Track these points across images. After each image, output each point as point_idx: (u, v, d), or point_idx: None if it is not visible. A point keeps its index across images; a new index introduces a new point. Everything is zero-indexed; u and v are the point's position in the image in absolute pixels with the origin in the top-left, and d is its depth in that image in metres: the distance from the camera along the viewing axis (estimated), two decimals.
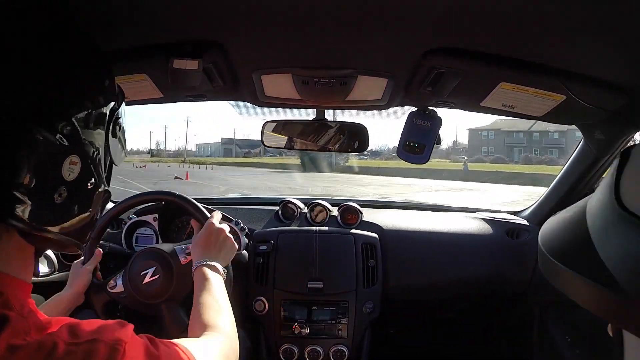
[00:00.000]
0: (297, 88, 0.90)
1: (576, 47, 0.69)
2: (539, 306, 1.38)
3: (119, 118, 0.53)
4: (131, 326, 0.45)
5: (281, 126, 1.12)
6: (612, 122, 0.97)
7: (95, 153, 0.48)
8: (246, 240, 1.28)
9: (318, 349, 1.25)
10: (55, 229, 0.44)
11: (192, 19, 0.64)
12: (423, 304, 1.40)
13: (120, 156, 0.56)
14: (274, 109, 1.09)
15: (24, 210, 0.40)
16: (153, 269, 0.94)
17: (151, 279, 0.94)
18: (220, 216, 0.96)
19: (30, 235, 0.44)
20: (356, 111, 1.09)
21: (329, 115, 1.08)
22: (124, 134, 0.56)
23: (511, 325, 1.56)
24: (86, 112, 0.46)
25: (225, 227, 0.91)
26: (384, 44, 0.72)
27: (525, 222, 1.47)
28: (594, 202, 0.33)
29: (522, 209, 1.58)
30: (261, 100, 1.00)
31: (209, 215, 0.96)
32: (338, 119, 1.09)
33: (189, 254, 0.94)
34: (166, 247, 0.99)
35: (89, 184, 0.47)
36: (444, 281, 1.35)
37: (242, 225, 1.28)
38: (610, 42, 0.65)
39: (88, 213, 0.48)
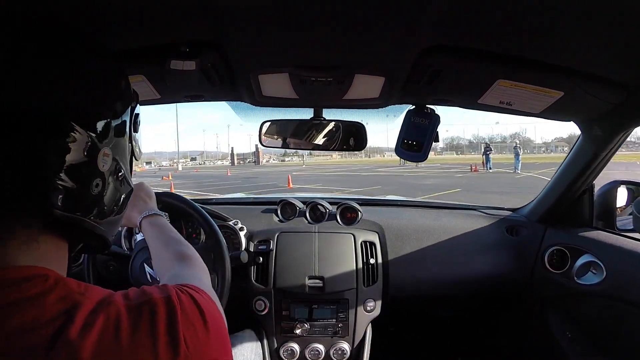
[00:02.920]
0: (294, 87, 0.90)
1: (574, 43, 0.69)
2: (539, 302, 1.38)
3: (138, 114, 0.57)
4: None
5: (279, 126, 1.12)
6: (610, 118, 0.97)
7: (123, 146, 0.51)
8: (245, 240, 1.28)
9: (319, 347, 1.26)
10: (94, 219, 0.47)
11: (189, 19, 0.64)
12: (423, 301, 1.40)
13: (140, 151, 0.60)
14: (271, 108, 1.09)
15: (63, 200, 0.43)
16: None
17: (154, 273, 0.95)
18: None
19: (68, 226, 0.46)
20: (354, 110, 1.09)
21: (326, 114, 1.08)
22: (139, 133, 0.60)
23: (511, 321, 1.56)
24: (114, 109, 0.50)
25: (140, 183, 0.92)
26: (381, 42, 0.72)
27: (524, 219, 1.47)
28: None
29: (521, 206, 1.58)
30: (259, 100, 1.00)
31: (211, 220, 0.98)
32: (336, 118, 1.09)
33: None
34: None
35: (119, 176, 0.51)
36: (444, 279, 1.35)
37: (241, 225, 1.28)
38: (607, 38, 0.65)
39: (118, 206, 0.52)
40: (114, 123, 0.49)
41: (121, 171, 0.51)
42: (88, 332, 0.39)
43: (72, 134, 0.43)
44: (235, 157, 57.07)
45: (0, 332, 0.38)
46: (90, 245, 0.56)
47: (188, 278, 0.57)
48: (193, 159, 75.44)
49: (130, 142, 0.54)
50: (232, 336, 0.88)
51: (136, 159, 0.58)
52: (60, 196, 0.42)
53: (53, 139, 0.42)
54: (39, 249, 0.44)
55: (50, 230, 0.45)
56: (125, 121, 0.52)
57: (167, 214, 0.86)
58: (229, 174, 22.82)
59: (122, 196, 0.53)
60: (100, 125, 0.46)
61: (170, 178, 17.93)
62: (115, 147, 0.49)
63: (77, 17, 0.57)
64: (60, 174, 0.42)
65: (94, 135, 0.45)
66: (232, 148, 65.36)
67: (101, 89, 0.49)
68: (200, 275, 0.63)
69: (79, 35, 0.48)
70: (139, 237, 1.01)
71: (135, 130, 0.56)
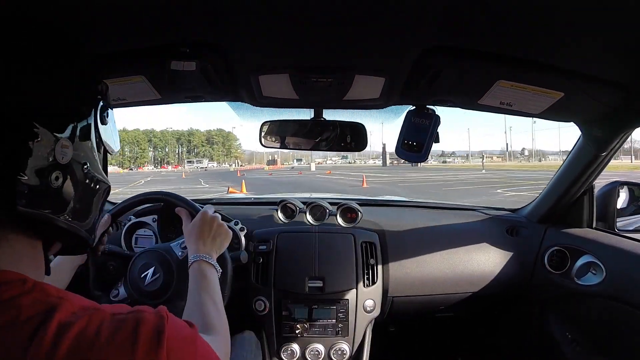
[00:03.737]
0: (294, 88, 0.90)
1: (574, 44, 0.69)
2: (539, 303, 1.38)
3: (106, 107, 0.55)
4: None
5: (279, 126, 1.12)
6: (610, 119, 0.97)
7: (86, 139, 0.50)
8: (245, 240, 1.28)
9: (319, 347, 1.26)
10: (59, 215, 0.46)
11: (189, 20, 0.64)
12: (423, 301, 1.40)
13: (112, 145, 0.58)
14: (272, 109, 1.09)
15: (25, 198, 0.42)
16: (152, 269, 0.95)
17: (152, 278, 0.95)
18: (213, 209, 0.95)
19: (37, 225, 0.45)
20: (354, 110, 1.09)
21: (327, 114, 1.08)
22: (114, 127, 0.59)
23: (511, 322, 1.56)
24: (71, 102, 0.49)
25: (218, 216, 0.91)
26: (382, 43, 0.72)
27: (525, 220, 1.47)
28: None
29: (521, 206, 1.58)
30: (259, 100, 1.00)
31: (201, 208, 0.97)
32: (336, 119, 1.09)
33: (185, 248, 0.95)
34: (162, 245, 0.99)
35: (83, 168, 0.49)
36: (444, 279, 1.35)
37: (241, 225, 1.28)
38: (607, 39, 0.65)
39: (89, 202, 0.51)
40: (73, 115, 0.48)
41: (86, 164, 0.50)
42: (65, 333, 0.39)
43: (29, 128, 0.43)
44: (388, 157, 47.74)
45: None
46: (69, 246, 0.55)
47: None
48: (344, 157, 67.21)
49: (97, 135, 0.53)
50: (232, 337, 0.88)
51: (109, 153, 0.58)
52: (22, 191, 0.42)
53: (10, 135, 0.42)
54: (11, 248, 0.44)
55: (21, 229, 0.45)
56: (85, 113, 0.51)
57: (221, 270, 0.83)
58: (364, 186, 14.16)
59: (92, 191, 0.51)
60: (55, 117, 0.46)
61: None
62: (76, 140, 0.48)
63: (77, 17, 0.57)
64: (19, 170, 0.42)
65: (51, 127, 0.45)
66: (385, 145, 52.51)
67: (59, 85, 0.48)
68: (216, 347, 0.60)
69: (41, 32, 0.47)
70: (140, 238, 1.01)
71: (103, 123, 0.54)
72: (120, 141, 0.66)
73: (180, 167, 62.09)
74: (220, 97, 1.04)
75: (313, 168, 39.34)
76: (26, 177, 0.42)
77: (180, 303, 0.95)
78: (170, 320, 0.44)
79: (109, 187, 0.56)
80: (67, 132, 0.47)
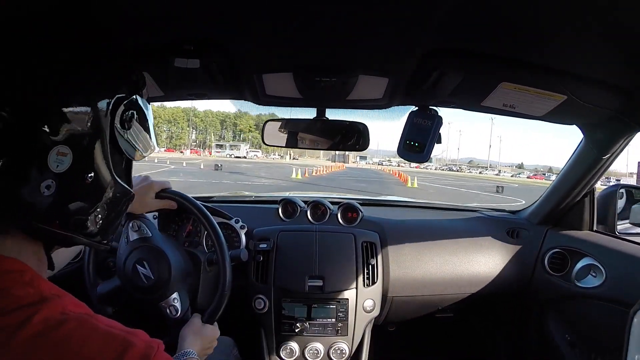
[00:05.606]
0: (298, 87, 0.90)
1: (577, 47, 0.69)
2: (539, 305, 1.39)
3: (133, 110, 0.52)
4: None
5: (282, 125, 1.12)
6: (612, 122, 0.97)
7: (94, 146, 0.46)
8: (245, 239, 1.28)
9: (318, 346, 1.26)
10: (51, 223, 0.44)
11: (194, 18, 0.64)
12: (423, 302, 1.40)
13: (140, 151, 0.54)
14: (275, 107, 1.09)
15: (16, 205, 0.41)
16: (147, 264, 0.96)
17: (145, 274, 0.96)
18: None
19: (32, 232, 0.44)
20: (357, 110, 1.09)
21: (329, 114, 1.08)
22: (148, 130, 0.55)
23: (510, 324, 1.56)
24: (78, 103, 0.45)
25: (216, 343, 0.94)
26: (386, 44, 0.72)
27: (525, 222, 1.47)
28: None
29: (522, 208, 1.58)
30: (262, 99, 1.00)
31: (212, 218, 0.99)
32: (339, 118, 1.09)
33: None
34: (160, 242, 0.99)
35: (86, 177, 0.46)
36: (444, 280, 1.35)
37: (242, 223, 1.28)
38: (610, 43, 0.65)
39: (94, 208, 0.47)
40: (82, 118, 0.45)
41: (89, 172, 0.46)
42: (50, 331, 0.39)
43: (19, 128, 0.40)
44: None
45: None
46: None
47: None
48: (363, 157, 55.85)
49: (114, 141, 0.49)
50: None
51: (132, 159, 0.54)
52: (8, 201, 0.41)
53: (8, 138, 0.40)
54: (15, 242, 0.44)
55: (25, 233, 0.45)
56: (103, 116, 0.47)
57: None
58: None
59: (96, 197, 0.48)
60: (53, 120, 0.43)
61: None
62: (78, 145, 0.44)
63: (80, 16, 0.57)
64: (4, 176, 0.40)
65: (46, 131, 0.42)
66: None
67: (62, 80, 0.45)
68: None
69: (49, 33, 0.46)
70: (132, 235, 1.00)
71: (126, 127, 0.51)
72: (156, 117, 0.60)
73: (200, 154, 46.91)
74: (224, 95, 1.04)
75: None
76: (13, 182, 0.41)
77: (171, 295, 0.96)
78: (159, 354, 0.44)
79: (132, 195, 0.53)
80: (62, 134, 0.43)
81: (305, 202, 1.46)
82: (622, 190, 1.30)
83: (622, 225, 1.28)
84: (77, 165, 0.44)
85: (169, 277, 0.95)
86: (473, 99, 0.93)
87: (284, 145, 1.12)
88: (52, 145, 0.42)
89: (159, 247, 0.97)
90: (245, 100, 1.05)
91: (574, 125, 1.10)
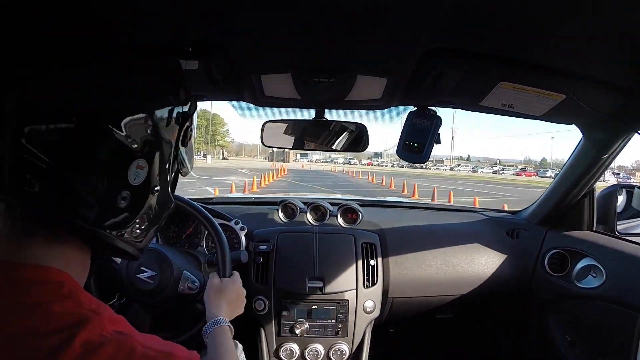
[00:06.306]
0: (296, 88, 0.90)
1: (576, 47, 0.69)
2: (539, 305, 1.38)
3: (190, 127, 0.53)
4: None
5: (281, 126, 1.12)
6: (611, 122, 0.97)
7: (163, 160, 0.48)
8: (245, 240, 1.28)
9: (318, 347, 1.25)
10: (115, 233, 0.44)
11: (193, 19, 0.64)
12: (423, 302, 1.40)
13: (189, 166, 0.56)
14: (274, 108, 1.09)
15: (88, 212, 0.41)
16: (150, 268, 0.97)
17: (148, 277, 0.97)
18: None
19: (92, 238, 0.44)
20: (356, 111, 1.09)
21: (328, 115, 1.08)
22: (192, 146, 0.56)
23: (511, 324, 1.56)
24: (158, 117, 0.46)
25: (244, 292, 0.94)
26: (384, 44, 0.72)
27: (525, 222, 1.47)
28: None
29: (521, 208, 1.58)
30: (261, 100, 1.00)
31: (213, 220, 0.99)
32: (338, 119, 1.09)
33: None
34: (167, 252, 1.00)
35: (154, 191, 0.47)
36: (444, 281, 1.35)
37: (241, 224, 1.28)
38: (609, 42, 0.65)
39: (150, 221, 0.48)
40: (159, 132, 0.46)
41: (156, 186, 0.47)
42: (89, 356, 0.37)
43: (107, 137, 0.40)
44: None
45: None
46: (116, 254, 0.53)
47: None
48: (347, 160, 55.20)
49: (177, 156, 0.51)
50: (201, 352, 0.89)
51: (182, 175, 0.56)
52: (84, 207, 0.40)
53: (84, 143, 0.40)
54: (61, 249, 0.43)
55: (73, 235, 0.44)
56: (172, 132, 0.49)
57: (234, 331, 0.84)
58: None
59: (155, 211, 0.49)
60: (138, 132, 0.43)
61: None
62: (153, 159, 0.46)
63: (78, 16, 0.57)
64: (87, 182, 0.40)
65: (130, 142, 0.42)
66: None
67: (148, 95, 0.46)
68: None
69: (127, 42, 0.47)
70: None
71: (184, 145, 0.53)
72: None
73: None
74: (222, 96, 1.05)
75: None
76: (92, 189, 0.41)
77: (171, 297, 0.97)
78: None
79: (174, 206, 0.55)
80: (145, 147, 0.45)
81: (304, 203, 1.46)
82: (622, 189, 1.30)
83: (622, 225, 1.28)
84: (149, 178, 0.46)
85: (171, 270, 0.97)
86: (472, 99, 0.93)
87: (284, 147, 1.12)
88: (134, 158, 0.43)
89: (156, 249, 0.98)
90: (244, 101, 1.05)
91: (573, 125, 1.10)
